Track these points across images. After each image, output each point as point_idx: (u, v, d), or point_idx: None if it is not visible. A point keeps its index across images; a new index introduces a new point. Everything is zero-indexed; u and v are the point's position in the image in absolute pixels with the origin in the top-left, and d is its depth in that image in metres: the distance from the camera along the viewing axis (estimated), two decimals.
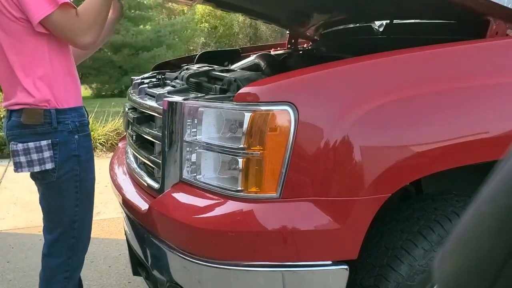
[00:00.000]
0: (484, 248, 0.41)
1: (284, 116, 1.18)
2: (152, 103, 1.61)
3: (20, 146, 1.50)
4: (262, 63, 1.94)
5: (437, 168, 1.24)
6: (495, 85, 1.28)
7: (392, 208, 1.35)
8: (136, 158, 1.84)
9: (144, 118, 1.71)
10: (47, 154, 1.50)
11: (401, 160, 1.18)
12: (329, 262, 1.21)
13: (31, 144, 1.49)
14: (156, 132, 1.56)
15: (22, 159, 1.50)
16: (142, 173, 1.69)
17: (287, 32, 2.76)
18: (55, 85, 1.51)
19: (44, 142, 1.49)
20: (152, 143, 1.66)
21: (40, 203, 1.66)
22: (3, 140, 5.48)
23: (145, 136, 1.68)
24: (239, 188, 1.22)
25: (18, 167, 1.52)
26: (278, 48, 2.73)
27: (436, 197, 1.37)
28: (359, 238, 1.20)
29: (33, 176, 1.63)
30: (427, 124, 1.21)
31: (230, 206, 1.24)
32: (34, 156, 1.50)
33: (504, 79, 1.29)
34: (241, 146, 1.21)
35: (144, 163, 1.73)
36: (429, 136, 1.20)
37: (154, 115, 1.61)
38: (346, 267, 1.21)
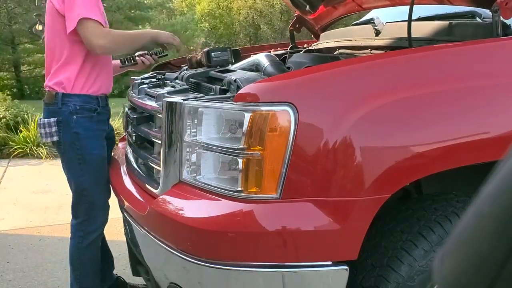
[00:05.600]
0: (484, 248, 0.41)
1: (284, 116, 1.18)
2: (152, 103, 1.61)
3: (41, 120, 1.91)
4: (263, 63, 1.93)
5: (437, 169, 1.23)
6: (495, 86, 1.28)
7: (392, 209, 1.35)
8: (136, 158, 1.84)
9: (144, 119, 1.71)
10: (53, 129, 1.88)
11: (401, 161, 1.18)
12: (329, 263, 1.20)
13: (45, 120, 1.89)
14: (155, 133, 1.56)
15: (42, 131, 1.89)
16: (142, 173, 1.69)
17: (295, 14, 2.72)
18: (77, 73, 1.88)
19: (52, 119, 1.88)
20: (152, 143, 1.66)
21: None
22: (3, 140, 5.51)
23: (145, 137, 1.68)
24: (239, 189, 1.22)
25: (41, 136, 1.92)
26: (278, 48, 2.72)
27: (436, 197, 1.37)
28: (359, 238, 1.20)
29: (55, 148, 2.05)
30: (427, 125, 1.21)
31: (230, 207, 1.24)
32: (47, 130, 1.89)
33: (504, 79, 1.29)
34: (241, 146, 1.21)
35: (144, 163, 1.73)
36: (429, 136, 1.20)
37: (154, 115, 1.60)
38: (346, 267, 1.21)
